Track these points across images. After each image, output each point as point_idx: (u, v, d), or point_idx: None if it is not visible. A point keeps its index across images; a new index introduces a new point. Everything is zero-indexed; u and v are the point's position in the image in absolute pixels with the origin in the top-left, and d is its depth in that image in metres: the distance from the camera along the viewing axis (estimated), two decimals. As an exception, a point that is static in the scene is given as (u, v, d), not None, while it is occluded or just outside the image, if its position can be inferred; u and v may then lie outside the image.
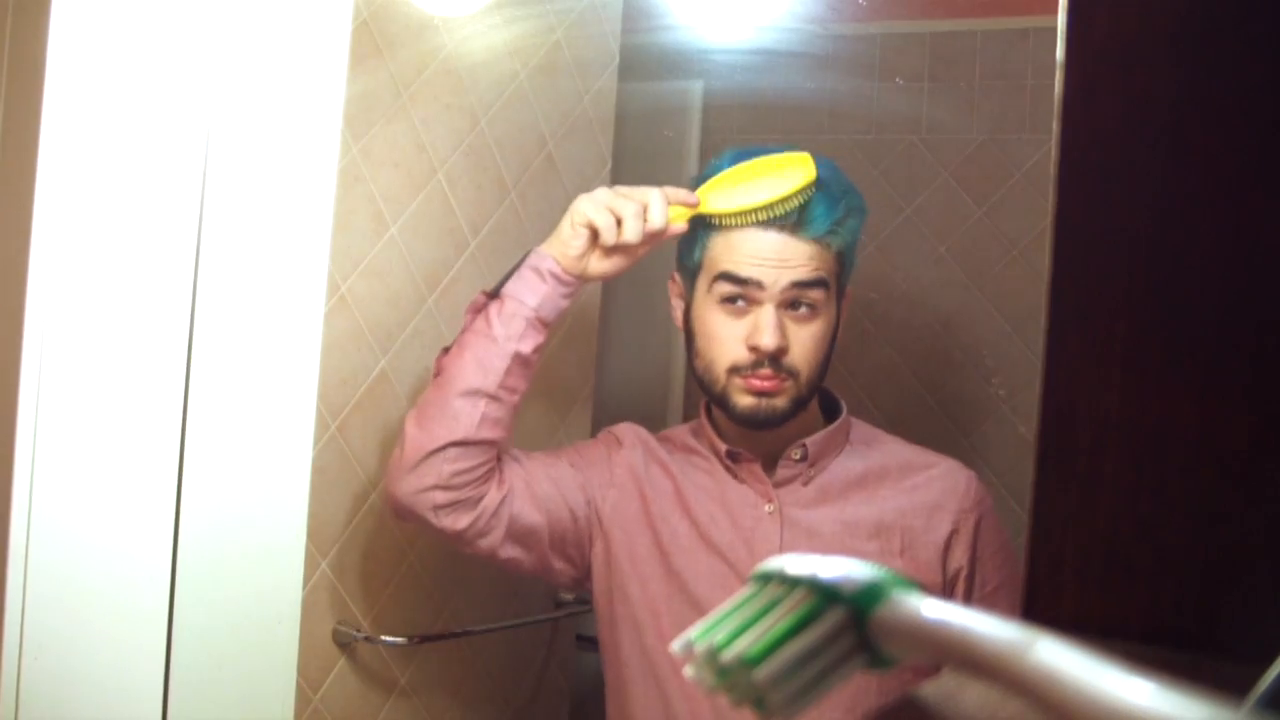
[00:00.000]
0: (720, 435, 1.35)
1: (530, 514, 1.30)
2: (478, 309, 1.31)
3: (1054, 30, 0.59)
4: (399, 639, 1.50)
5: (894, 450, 1.38)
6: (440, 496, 1.26)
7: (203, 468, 1.26)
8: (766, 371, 1.27)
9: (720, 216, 1.27)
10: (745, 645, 0.46)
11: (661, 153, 2.07)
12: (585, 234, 1.28)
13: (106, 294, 1.17)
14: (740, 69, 2.05)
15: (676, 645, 0.49)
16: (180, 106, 1.22)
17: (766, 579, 0.50)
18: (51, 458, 1.13)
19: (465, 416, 1.26)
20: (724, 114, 2.05)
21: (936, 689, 0.52)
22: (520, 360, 1.28)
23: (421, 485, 1.26)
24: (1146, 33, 0.58)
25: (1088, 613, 0.58)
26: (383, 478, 1.34)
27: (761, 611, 0.48)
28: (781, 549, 1.29)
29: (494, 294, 1.30)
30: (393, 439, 1.54)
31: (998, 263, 1.86)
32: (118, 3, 1.16)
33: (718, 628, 0.48)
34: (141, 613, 1.21)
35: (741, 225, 1.27)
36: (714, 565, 1.30)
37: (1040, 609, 0.59)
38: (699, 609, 1.27)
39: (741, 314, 1.28)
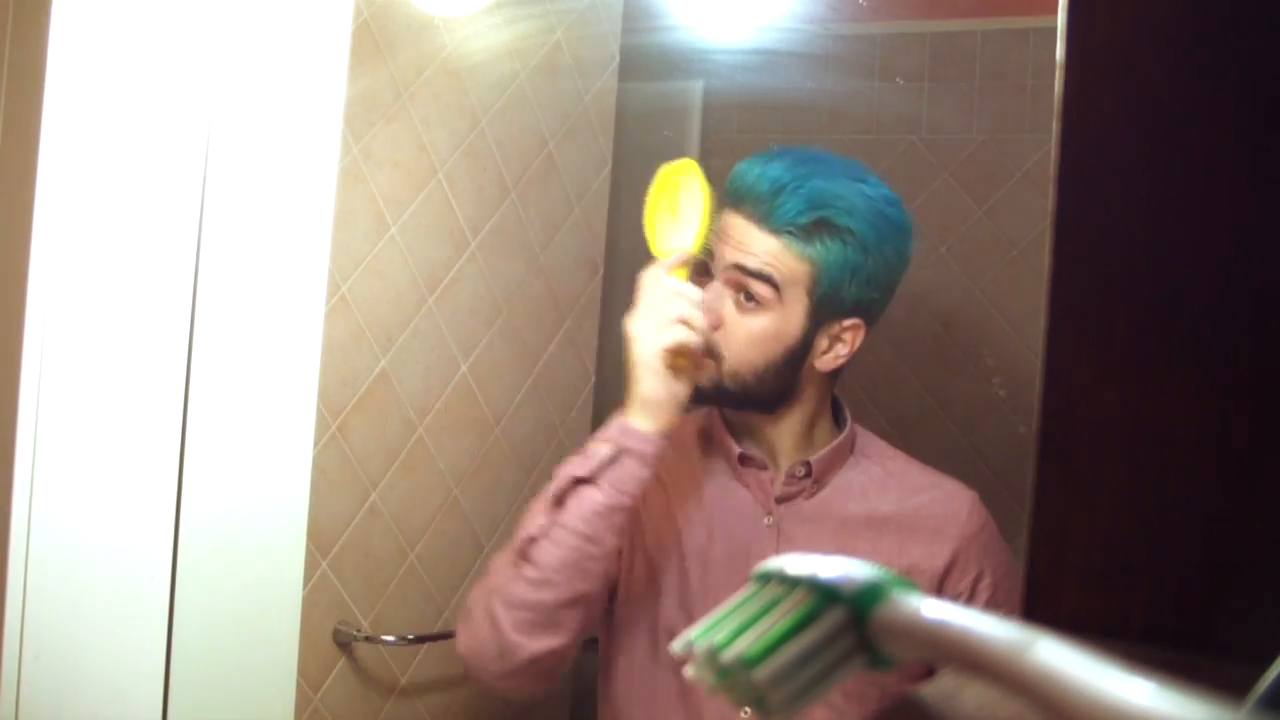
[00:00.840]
0: (730, 431, 1.35)
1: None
2: (564, 492, 1.20)
3: (1054, 30, 0.59)
4: (399, 639, 1.50)
5: (897, 468, 1.35)
6: (538, 686, 1.26)
7: (203, 468, 1.26)
8: None
9: (703, 250, 1.26)
10: (745, 645, 0.46)
11: (661, 153, 2.05)
12: (666, 363, 1.20)
13: (107, 294, 1.17)
14: (740, 69, 2.05)
15: (677, 645, 0.49)
16: (181, 106, 1.22)
17: (766, 579, 0.50)
18: (52, 458, 1.13)
19: (573, 623, 1.21)
20: (724, 114, 2.05)
21: (936, 689, 0.52)
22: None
23: (518, 684, 1.25)
24: (1145, 33, 0.58)
25: (1088, 613, 0.58)
26: (460, 641, 1.26)
27: (761, 611, 0.48)
28: None
29: (586, 479, 1.20)
30: (394, 439, 1.54)
31: (998, 263, 1.86)
32: (118, 3, 1.16)
33: (718, 628, 0.48)
34: (142, 613, 1.21)
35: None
36: (708, 571, 1.30)
37: (1040, 609, 0.59)
38: (689, 613, 1.27)
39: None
